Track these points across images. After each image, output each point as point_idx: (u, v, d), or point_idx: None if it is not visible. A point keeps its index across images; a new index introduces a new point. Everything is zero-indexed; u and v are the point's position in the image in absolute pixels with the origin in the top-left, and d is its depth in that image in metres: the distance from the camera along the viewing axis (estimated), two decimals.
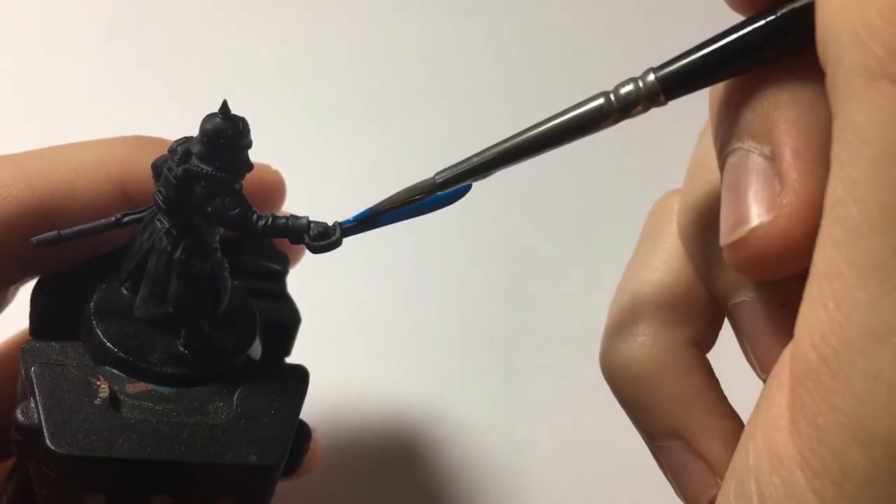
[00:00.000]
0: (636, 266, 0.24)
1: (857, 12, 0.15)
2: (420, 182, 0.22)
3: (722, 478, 0.22)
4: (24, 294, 0.27)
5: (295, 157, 0.45)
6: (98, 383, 0.23)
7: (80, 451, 0.21)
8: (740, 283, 0.21)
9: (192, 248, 0.23)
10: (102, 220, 0.24)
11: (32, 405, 0.22)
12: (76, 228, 0.24)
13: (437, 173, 0.22)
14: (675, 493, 0.24)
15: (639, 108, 0.20)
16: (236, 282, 0.26)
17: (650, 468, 0.40)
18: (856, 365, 0.15)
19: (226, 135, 0.22)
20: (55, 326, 0.25)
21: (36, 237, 0.23)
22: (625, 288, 0.24)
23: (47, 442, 0.21)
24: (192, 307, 0.23)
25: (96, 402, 0.22)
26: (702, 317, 0.23)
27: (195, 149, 0.22)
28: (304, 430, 0.24)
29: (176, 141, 0.23)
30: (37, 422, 0.22)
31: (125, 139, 0.27)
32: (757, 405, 0.18)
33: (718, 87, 0.20)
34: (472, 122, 0.47)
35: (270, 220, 0.22)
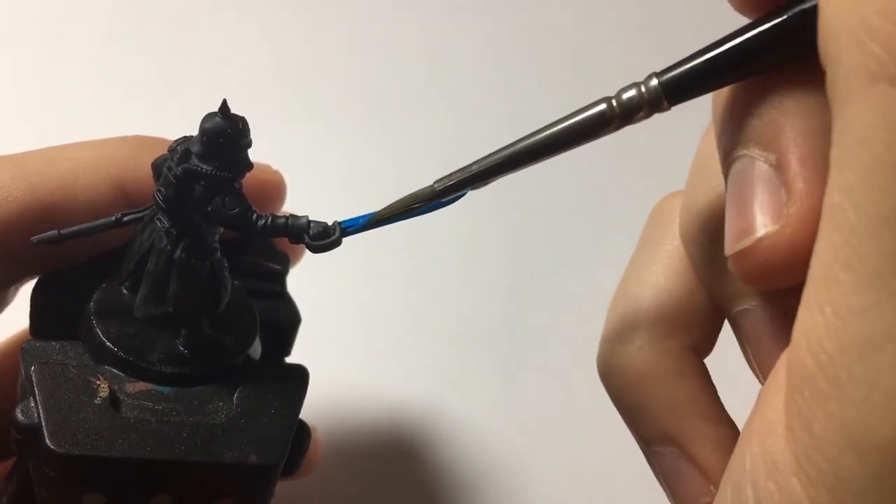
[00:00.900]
0: (635, 269, 0.24)
1: (855, 11, 0.15)
2: (420, 190, 0.22)
3: (715, 485, 0.22)
4: (24, 294, 0.27)
5: (295, 157, 0.45)
6: (98, 383, 0.23)
7: (80, 451, 0.21)
8: (744, 291, 0.21)
9: (191, 247, 0.23)
10: (102, 220, 0.24)
11: (32, 404, 0.22)
12: (76, 228, 0.24)
13: (437, 181, 0.22)
14: (669, 499, 0.23)
15: (641, 113, 0.19)
16: (236, 282, 0.26)
17: (649, 469, 0.40)
18: (852, 371, 0.15)
19: (225, 134, 0.22)
20: (55, 326, 0.25)
21: (36, 237, 0.23)
22: (623, 291, 0.24)
23: (47, 441, 0.21)
24: (191, 307, 0.23)
25: (96, 401, 0.22)
26: (700, 323, 0.23)
27: (195, 148, 0.22)
28: (303, 430, 0.24)
29: (175, 140, 0.23)
30: (36, 421, 0.22)
31: (125, 139, 0.27)
32: (754, 410, 0.18)
33: (722, 92, 0.20)
34: (472, 122, 0.47)
35: (270, 219, 0.22)
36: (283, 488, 0.36)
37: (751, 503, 0.17)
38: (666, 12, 0.50)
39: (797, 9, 0.17)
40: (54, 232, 0.23)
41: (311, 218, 0.23)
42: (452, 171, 0.21)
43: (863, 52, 0.15)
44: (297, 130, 0.45)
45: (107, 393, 0.22)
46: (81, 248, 0.25)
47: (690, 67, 0.19)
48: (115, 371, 0.23)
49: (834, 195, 0.15)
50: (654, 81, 0.19)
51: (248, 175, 0.23)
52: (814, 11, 0.16)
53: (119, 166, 0.26)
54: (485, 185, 0.21)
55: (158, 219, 0.23)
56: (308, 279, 0.43)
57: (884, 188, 0.14)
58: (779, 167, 0.18)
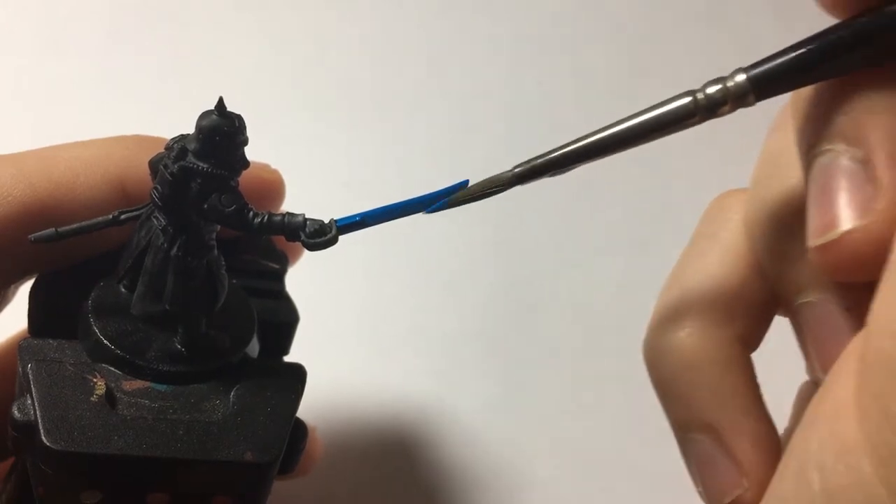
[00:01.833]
0: (690, 259, 0.24)
1: None
2: (498, 174, 0.22)
3: (748, 478, 0.22)
4: (23, 293, 0.27)
5: (295, 156, 0.45)
6: (94, 380, 0.23)
7: (76, 448, 0.21)
8: (808, 285, 0.21)
9: (188, 245, 0.23)
10: (100, 218, 0.24)
11: (29, 402, 0.22)
12: (74, 226, 0.24)
13: (516, 166, 0.22)
14: (696, 488, 0.23)
15: (726, 107, 0.20)
16: (234, 280, 0.26)
17: (649, 469, 0.40)
18: None
19: (221, 132, 0.22)
20: (53, 324, 0.25)
21: (33, 234, 0.23)
22: (676, 279, 0.24)
23: (43, 438, 0.21)
24: (188, 304, 0.23)
25: (92, 399, 0.22)
26: (752, 314, 0.23)
27: (191, 146, 0.22)
28: (300, 429, 0.24)
29: (172, 138, 0.23)
30: (33, 418, 0.22)
31: (124, 138, 0.27)
32: (817, 397, 0.18)
33: (805, 89, 0.20)
34: (472, 122, 0.47)
35: (266, 217, 0.22)
36: (281, 487, 0.36)
37: (817, 486, 0.17)
38: (666, 12, 0.50)
39: (890, 9, 0.17)
40: (52, 230, 0.23)
41: (307, 216, 0.23)
42: (532, 156, 0.21)
43: None
44: (296, 130, 0.45)
45: (103, 391, 0.22)
46: (79, 246, 0.25)
47: (779, 63, 0.19)
48: (112, 369, 0.23)
49: None
50: (742, 76, 0.19)
51: (246, 173, 0.23)
52: None
53: (118, 165, 0.26)
54: (563, 172, 0.21)
55: (155, 216, 0.23)
56: (308, 278, 0.43)
57: None
58: (865, 163, 0.18)
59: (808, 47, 0.19)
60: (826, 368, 0.20)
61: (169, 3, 0.48)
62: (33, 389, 0.22)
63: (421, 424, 0.39)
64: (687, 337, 0.23)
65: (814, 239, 0.19)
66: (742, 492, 0.22)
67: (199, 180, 0.22)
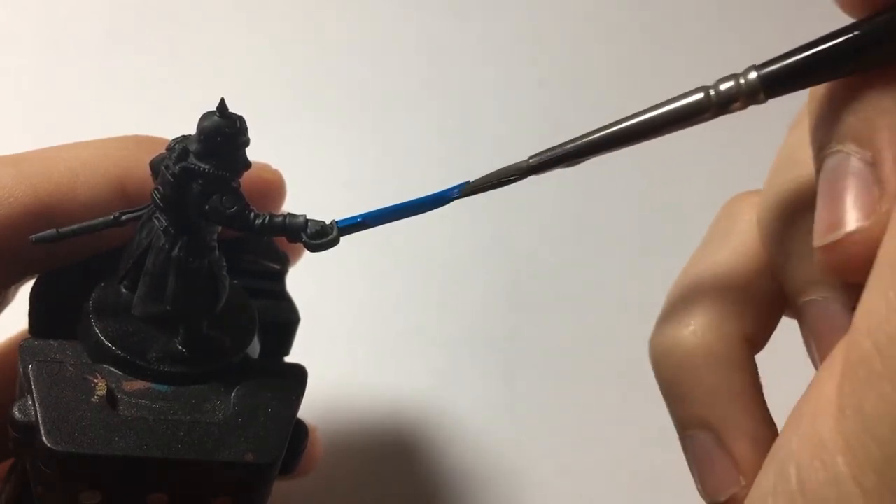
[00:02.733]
0: (702, 255, 0.24)
1: None
2: (513, 164, 0.22)
3: (746, 477, 0.22)
4: (24, 293, 0.27)
5: (295, 156, 0.45)
6: (95, 381, 0.23)
7: (76, 449, 0.21)
8: (814, 283, 0.21)
9: (189, 246, 0.23)
10: (101, 219, 0.24)
11: (29, 402, 0.22)
12: (75, 226, 0.24)
13: (532, 157, 0.22)
14: (696, 485, 0.24)
15: (738, 104, 0.20)
16: (235, 281, 0.26)
17: (649, 469, 0.40)
18: None
19: (223, 132, 0.22)
20: (54, 325, 0.25)
21: (34, 235, 0.23)
22: (687, 274, 0.24)
23: (44, 439, 0.21)
24: (189, 305, 0.23)
25: (93, 399, 0.22)
26: (759, 314, 0.23)
27: (192, 147, 0.22)
28: (301, 429, 0.24)
29: (174, 139, 0.23)
30: (33, 419, 0.22)
31: (124, 138, 0.27)
32: (804, 395, 0.19)
33: (819, 88, 0.20)
34: (472, 121, 0.47)
35: (268, 218, 0.22)
36: (282, 487, 0.36)
37: (794, 481, 0.17)
38: (665, 13, 0.50)
39: None
40: (53, 231, 0.23)
41: (308, 217, 0.23)
42: (547, 147, 0.22)
43: None
44: (296, 130, 0.45)
45: (104, 391, 0.22)
46: (80, 247, 0.25)
47: (790, 63, 0.19)
48: (112, 370, 0.23)
49: None
50: (754, 74, 0.20)
51: (247, 174, 0.23)
52: None
53: (119, 166, 0.26)
54: (576, 163, 0.21)
55: (156, 217, 0.23)
56: (309, 280, 0.43)
57: None
58: (874, 164, 0.18)
59: (820, 47, 0.19)
60: None
61: (169, 2, 0.48)
62: (34, 390, 0.22)
63: (421, 425, 0.39)
64: (691, 334, 0.23)
65: (819, 238, 0.19)
66: (738, 490, 0.22)
67: (200, 181, 0.22)
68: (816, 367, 0.21)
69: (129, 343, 0.24)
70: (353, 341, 0.41)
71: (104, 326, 0.24)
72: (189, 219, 0.23)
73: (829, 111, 0.19)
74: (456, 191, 0.22)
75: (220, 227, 0.23)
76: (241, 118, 0.22)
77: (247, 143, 0.22)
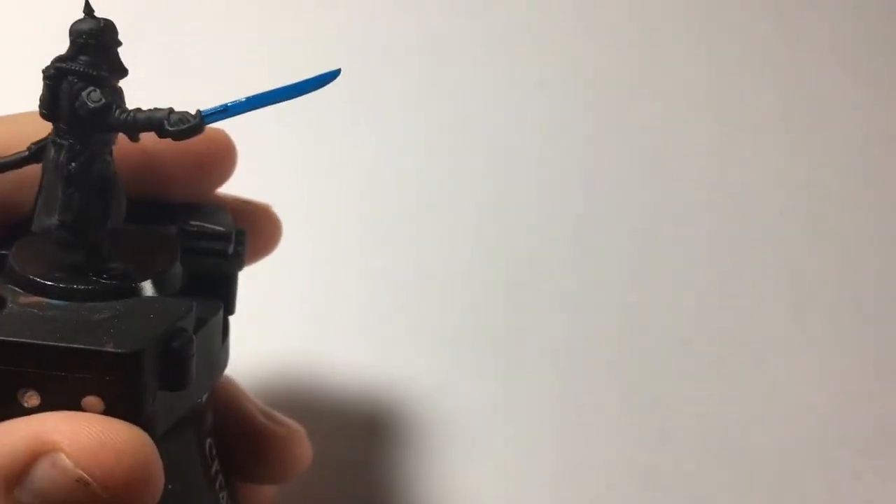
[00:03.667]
0: None
1: None
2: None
3: None
4: None
5: (293, 156, 0.45)
6: None
7: None
8: None
9: (72, 151, 0.23)
10: (13, 155, 0.24)
11: None
12: None
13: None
14: None
15: None
16: (173, 227, 0.26)
17: (650, 468, 0.40)
18: None
19: (87, 31, 0.23)
20: None
21: None
22: None
23: None
24: (77, 214, 0.24)
25: None
26: None
27: (66, 53, 0.23)
28: (184, 338, 0.23)
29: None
30: None
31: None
32: None
33: None
34: (472, 122, 0.47)
35: (132, 114, 0.23)
36: (274, 490, 0.36)
37: None
38: (665, 13, 0.50)
39: None
40: None
41: (175, 109, 0.23)
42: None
43: None
44: (294, 129, 0.45)
45: None
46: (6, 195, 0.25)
47: None
48: (14, 288, 0.24)
49: None
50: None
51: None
52: None
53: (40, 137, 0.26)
54: None
55: (50, 134, 0.24)
56: (309, 280, 0.43)
57: None
58: None
59: None
60: None
61: (169, 3, 0.48)
62: None
63: (421, 424, 0.39)
64: None
65: None
66: None
67: (70, 79, 0.23)
68: None
69: (31, 262, 0.24)
70: (353, 341, 0.41)
71: (18, 252, 0.25)
72: (70, 124, 0.23)
73: None
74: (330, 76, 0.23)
75: (112, 138, 0.24)
76: (107, 20, 0.23)
77: (115, 43, 0.23)
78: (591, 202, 0.45)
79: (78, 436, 0.21)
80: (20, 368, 0.22)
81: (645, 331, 0.42)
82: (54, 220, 0.24)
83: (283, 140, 0.45)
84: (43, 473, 0.21)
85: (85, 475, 0.20)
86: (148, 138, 0.24)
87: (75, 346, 0.21)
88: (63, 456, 0.21)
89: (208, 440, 0.27)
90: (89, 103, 0.22)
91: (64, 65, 0.23)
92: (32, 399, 0.22)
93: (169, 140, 0.23)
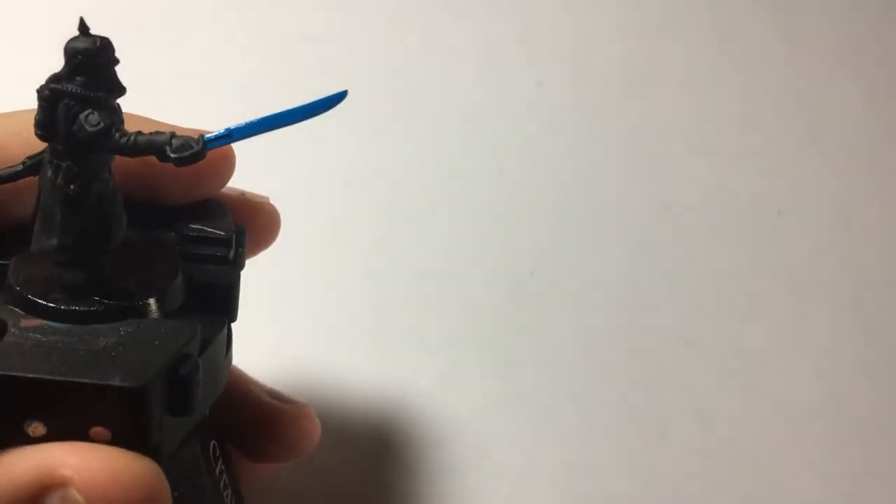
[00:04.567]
0: None
1: None
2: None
3: None
4: None
5: (294, 156, 0.45)
6: None
7: None
8: None
9: (70, 173, 0.23)
10: (7, 168, 0.24)
11: None
12: None
13: None
14: None
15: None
16: (172, 234, 0.26)
17: (652, 468, 0.40)
18: None
19: (83, 51, 0.22)
20: None
21: None
22: None
23: None
24: (79, 239, 0.23)
25: None
26: None
27: (62, 72, 0.22)
28: (191, 365, 0.23)
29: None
30: None
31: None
32: None
33: None
34: (471, 122, 0.47)
35: (134, 137, 0.22)
36: (281, 479, 0.36)
37: None
38: (665, 13, 0.50)
39: None
40: None
41: (176, 133, 0.23)
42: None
43: None
44: (295, 129, 0.45)
45: None
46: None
47: None
48: (15, 309, 0.23)
49: None
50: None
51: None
52: None
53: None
54: None
55: (46, 152, 0.23)
56: (309, 280, 0.43)
57: None
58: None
59: None
60: None
61: (166, 2, 0.48)
62: None
63: (421, 424, 0.39)
64: None
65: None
66: None
67: (66, 101, 0.22)
68: None
69: (31, 282, 0.24)
70: (353, 341, 0.41)
71: (17, 270, 0.24)
72: (67, 144, 0.22)
73: None
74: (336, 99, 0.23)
75: (110, 158, 0.23)
76: (103, 38, 0.23)
77: (114, 62, 0.22)
78: (592, 202, 0.45)
79: (87, 470, 0.21)
80: (26, 403, 0.21)
81: (645, 331, 0.42)
82: (53, 243, 0.23)
83: (284, 141, 0.45)
84: None
85: None
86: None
87: (82, 380, 0.21)
88: (73, 491, 0.21)
89: (212, 442, 0.27)
90: (87, 127, 0.22)
91: (59, 86, 0.22)
92: (38, 429, 0.22)
93: None
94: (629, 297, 0.43)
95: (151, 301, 0.24)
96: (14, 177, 0.24)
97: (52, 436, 0.22)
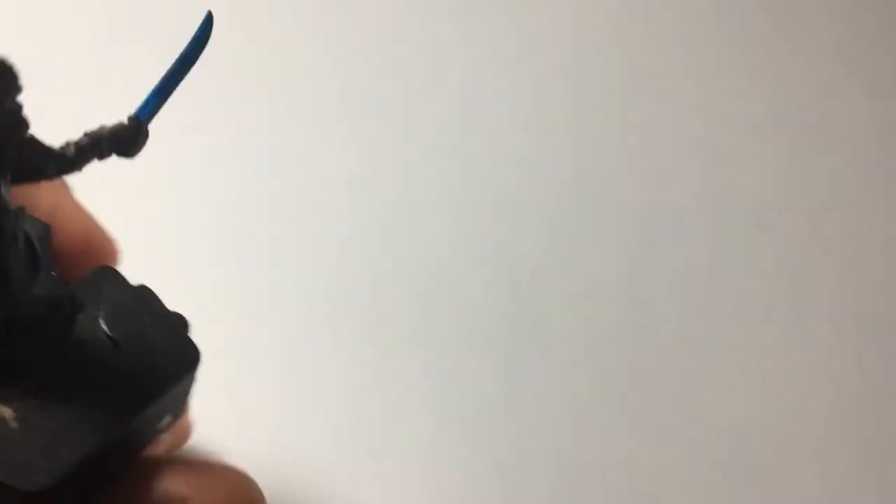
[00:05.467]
0: None
1: None
2: None
3: None
4: None
5: (294, 156, 0.45)
6: None
7: None
8: None
9: None
10: None
11: None
12: None
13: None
14: None
15: None
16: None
17: (653, 468, 0.40)
18: None
19: None
20: None
21: None
22: None
23: None
24: None
25: None
26: None
27: None
28: (113, 456, 0.20)
29: None
30: None
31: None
32: None
33: None
34: (472, 122, 0.47)
35: (74, 149, 0.20)
36: (276, 480, 0.36)
37: None
38: (665, 13, 0.50)
39: None
40: None
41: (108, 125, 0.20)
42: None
43: None
44: (295, 130, 0.45)
45: None
46: None
47: None
48: None
49: None
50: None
51: (68, 229, 0.20)
52: None
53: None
54: None
55: None
56: (309, 281, 0.44)
57: None
58: None
59: None
60: None
61: (166, 3, 0.48)
62: None
63: (419, 423, 0.39)
64: None
65: None
66: None
67: None
68: None
69: None
70: (354, 342, 0.41)
71: None
72: None
73: None
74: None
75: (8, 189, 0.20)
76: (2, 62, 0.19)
77: (12, 92, 0.19)
78: (592, 202, 0.45)
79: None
80: None
81: (645, 331, 0.42)
82: None
83: (286, 141, 0.45)
84: None
85: None
86: None
87: None
88: None
89: None
90: (38, 166, 0.19)
91: None
92: None
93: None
94: (629, 297, 0.43)
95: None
96: None
97: None
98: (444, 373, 0.41)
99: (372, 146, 0.46)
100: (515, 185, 0.45)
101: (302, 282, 0.42)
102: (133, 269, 0.24)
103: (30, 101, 0.21)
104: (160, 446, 0.24)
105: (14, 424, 0.20)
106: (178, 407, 0.24)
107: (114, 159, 0.20)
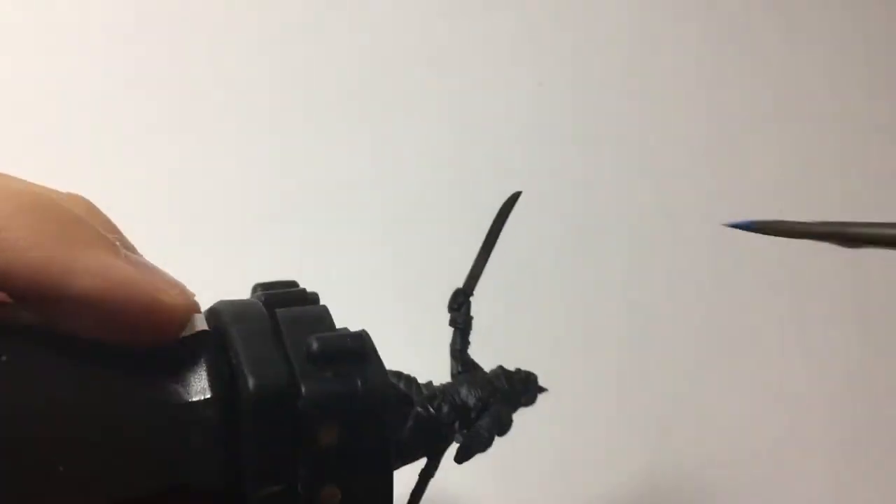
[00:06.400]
0: None
1: None
2: None
3: None
4: None
5: (295, 157, 0.45)
6: None
7: None
8: None
9: None
10: None
11: None
12: None
13: None
14: None
15: None
16: None
17: (653, 468, 0.40)
18: None
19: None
20: None
21: None
22: None
23: None
24: None
25: None
26: None
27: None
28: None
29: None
30: None
31: (72, 197, 0.21)
32: None
33: None
34: (472, 122, 0.47)
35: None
36: None
37: None
38: (664, 13, 0.50)
39: None
40: None
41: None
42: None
43: None
44: (296, 131, 0.46)
45: None
46: None
47: None
48: None
49: None
50: None
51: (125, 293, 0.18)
52: None
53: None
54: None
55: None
56: (310, 282, 0.43)
57: None
58: None
59: None
60: None
61: (167, 4, 0.48)
62: None
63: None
64: None
65: None
66: None
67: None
68: None
69: None
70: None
71: None
72: None
73: None
74: None
75: None
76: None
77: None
78: (592, 201, 0.45)
79: None
80: None
81: (645, 331, 0.43)
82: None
83: (284, 141, 0.45)
84: None
85: None
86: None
87: None
88: None
89: None
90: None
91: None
92: None
93: None
94: (629, 297, 0.43)
95: None
96: None
97: None
98: (444, 374, 0.41)
99: (371, 146, 0.46)
100: (515, 185, 0.45)
101: (300, 281, 0.42)
102: None
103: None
104: None
105: None
106: None
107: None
